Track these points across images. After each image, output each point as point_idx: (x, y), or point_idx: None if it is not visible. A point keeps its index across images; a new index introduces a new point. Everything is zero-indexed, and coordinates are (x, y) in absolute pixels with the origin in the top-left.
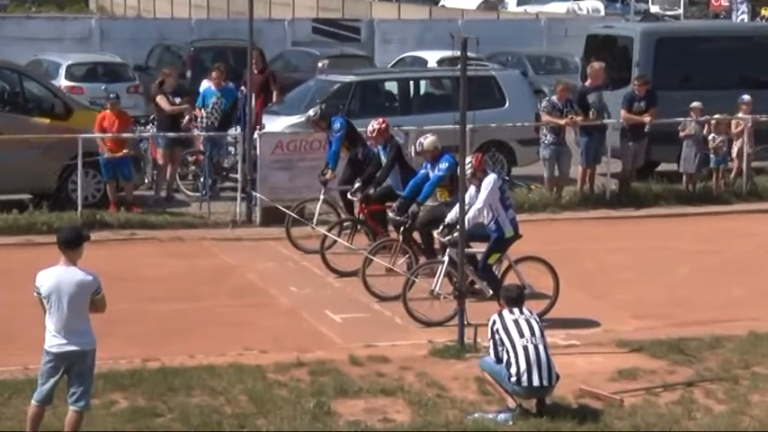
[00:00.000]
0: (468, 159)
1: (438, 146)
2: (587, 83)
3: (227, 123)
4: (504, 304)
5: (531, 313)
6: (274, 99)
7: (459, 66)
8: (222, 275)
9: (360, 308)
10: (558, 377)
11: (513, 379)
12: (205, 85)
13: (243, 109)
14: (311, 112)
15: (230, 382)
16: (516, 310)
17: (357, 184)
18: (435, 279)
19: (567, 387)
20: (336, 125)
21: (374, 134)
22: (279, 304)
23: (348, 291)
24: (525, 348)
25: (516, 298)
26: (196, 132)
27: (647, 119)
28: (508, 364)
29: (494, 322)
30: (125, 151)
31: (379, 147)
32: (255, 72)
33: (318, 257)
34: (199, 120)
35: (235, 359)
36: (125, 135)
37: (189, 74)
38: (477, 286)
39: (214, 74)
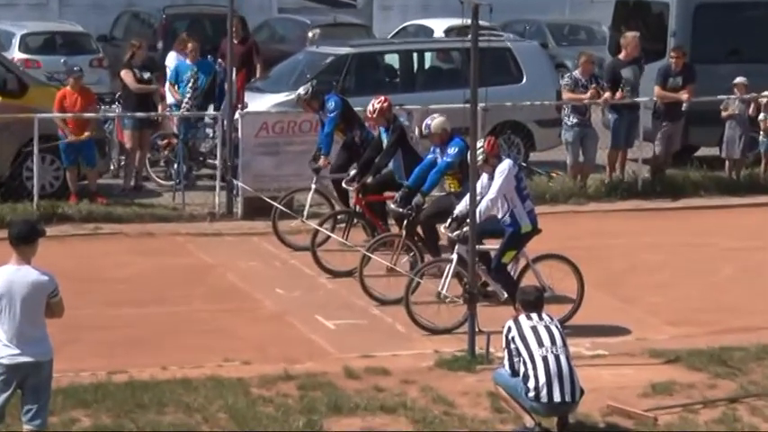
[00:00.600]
0: (479, 143)
1: (447, 128)
2: (621, 55)
3: (204, 102)
4: (521, 309)
5: (551, 319)
6: (258, 74)
7: (469, 36)
8: (199, 276)
9: (356, 313)
10: (582, 392)
11: (531, 394)
12: (172, 57)
13: (222, 85)
14: (302, 91)
15: (208, 397)
16: (534, 316)
17: (353, 171)
18: (442, 280)
19: (593, 403)
20: (330, 104)
21: (374, 115)
22: (263, 309)
23: (343, 293)
24: (545, 359)
25: (534, 301)
26: (168, 112)
27: (684, 96)
28: (525, 377)
29: (509, 329)
30: (87, 134)
31: (381, 129)
32: (236, 43)
33: (309, 255)
34: (171, 99)
35: (213, 371)
36: (88, 115)
37: (160, 45)
38: (489, 288)
39: (190, 45)
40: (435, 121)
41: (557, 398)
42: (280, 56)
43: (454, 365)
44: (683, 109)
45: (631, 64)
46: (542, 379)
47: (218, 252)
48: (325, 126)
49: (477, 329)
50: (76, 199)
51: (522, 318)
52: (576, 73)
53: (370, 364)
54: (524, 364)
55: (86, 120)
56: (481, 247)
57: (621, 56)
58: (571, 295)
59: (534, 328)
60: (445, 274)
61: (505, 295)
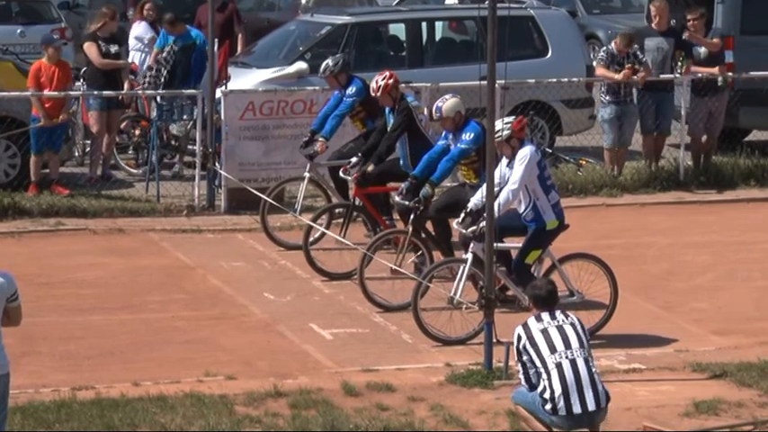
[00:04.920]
0: (507, 120)
1: (461, 110)
2: (654, 24)
3: (182, 78)
4: (532, 307)
5: (566, 317)
6: (239, 46)
7: (486, 3)
8: (176, 279)
9: (356, 321)
10: (608, 397)
11: (548, 407)
12: (138, 28)
13: (202, 58)
14: (330, 62)
15: (187, 417)
16: (545, 316)
17: (354, 159)
18: (455, 283)
19: (628, 424)
20: (352, 88)
21: (378, 93)
22: (250, 316)
23: (341, 299)
24: (558, 366)
25: (546, 296)
26: (140, 90)
27: (714, 70)
28: (542, 390)
29: (518, 338)
30: (63, 116)
31: (386, 110)
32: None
33: (302, 255)
34: (144, 75)
35: (193, 387)
36: (65, 93)
37: (131, 13)
38: (509, 293)
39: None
40: (447, 104)
41: (576, 409)
42: (269, 26)
43: (469, 381)
44: (719, 84)
45: (666, 35)
46: (558, 389)
47: (197, 251)
48: (339, 107)
49: (494, 340)
50: (36, 190)
51: (532, 321)
52: (612, 47)
53: (372, 380)
54: (538, 374)
55: (62, 99)
56: (500, 245)
57: (653, 25)
58: (603, 301)
59: (545, 332)
60: (458, 276)
61: (528, 301)
